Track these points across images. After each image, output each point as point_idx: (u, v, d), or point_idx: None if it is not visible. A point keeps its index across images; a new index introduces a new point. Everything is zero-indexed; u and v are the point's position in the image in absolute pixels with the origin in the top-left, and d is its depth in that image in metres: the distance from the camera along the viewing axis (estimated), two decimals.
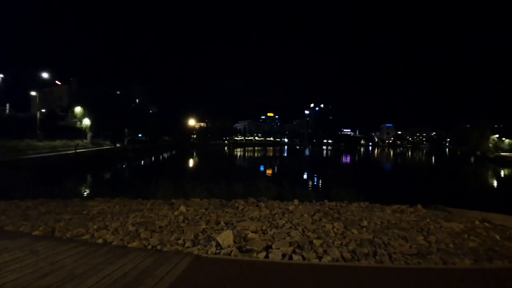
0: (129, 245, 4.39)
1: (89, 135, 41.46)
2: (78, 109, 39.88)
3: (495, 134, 54.76)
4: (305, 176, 25.57)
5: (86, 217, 6.28)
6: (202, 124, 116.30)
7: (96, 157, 31.04)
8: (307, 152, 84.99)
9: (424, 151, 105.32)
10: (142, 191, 9.48)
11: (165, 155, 51.56)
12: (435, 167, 43.68)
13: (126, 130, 50.71)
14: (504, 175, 29.62)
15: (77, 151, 27.66)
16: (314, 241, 4.66)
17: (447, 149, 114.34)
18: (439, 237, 5.17)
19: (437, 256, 4.23)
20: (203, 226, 5.42)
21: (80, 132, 39.82)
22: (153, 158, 43.32)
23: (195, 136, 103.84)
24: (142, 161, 37.94)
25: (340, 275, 3.54)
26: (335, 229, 5.55)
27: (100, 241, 4.62)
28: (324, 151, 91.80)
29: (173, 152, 59.21)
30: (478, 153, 51.54)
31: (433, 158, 63.42)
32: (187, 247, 4.31)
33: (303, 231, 5.31)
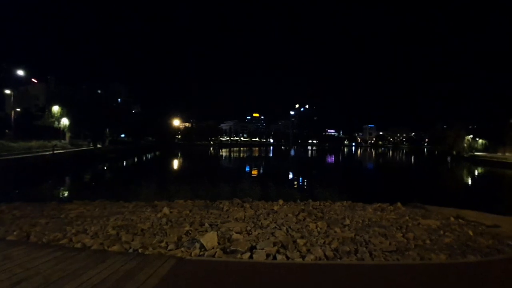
0: (109, 249, 4.26)
1: (67, 135, 39.87)
2: (55, 109, 38.25)
3: (469, 134, 57.59)
4: (290, 176, 25.81)
5: (64, 221, 6.05)
6: (187, 124, 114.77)
7: (75, 159, 29.91)
8: (292, 152, 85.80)
9: (404, 151, 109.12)
10: (123, 193, 9.25)
11: (149, 156, 50.48)
12: (414, 166, 45.44)
13: (107, 130, 49.19)
14: (478, 173, 31.21)
15: (55, 152, 26.50)
16: (298, 240, 4.72)
17: (425, 149, 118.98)
18: (417, 233, 5.38)
19: (415, 252, 4.40)
20: (187, 228, 5.35)
21: (58, 133, 38.18)
22: (135, 159, 42.29)
23: (179, 136, 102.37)
24: (124, 162, 36.95)
25: (323, 273, 3.60)
26: (318, 228, 5.65)
27: (78, 245, 4.46)
28: (309, 151, 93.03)
29: (157, 153, 58.07)
30: (454, 152, 53.95)
31: (413, 157, 65.93)
32: (170, 250, 4.25)
33: (287, 231, 5.37)
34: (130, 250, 4.25)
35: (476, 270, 3.78)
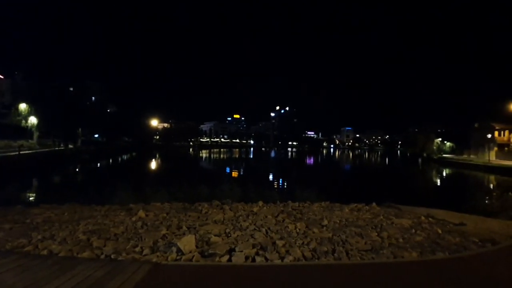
0: (79, 256, 4.03)
1: (35, 135, 37.50)
2: (23, 106, 35.86)
3: (438, 138, 61.08)
4: (270, 178, 25.94)
5: (29, 227, 5.66)
6: (165, 125, 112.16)
7: (44, 160, 28.20)
8: (272, 154, 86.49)
9: (379, 153, 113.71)
10: (96, 196, 8.80)
11: (124, 157, 48.73)
12: (388, 167, 47.57)
13: (79, 129, 46.84)
14: (445, 174, 33.16)
15: (21, 152, 24.83)
16: (277, 241, 4.73)
17: (398, 151, 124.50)
18: (390, 232, 5.58)
19: (389, 250, 4.56)
20: (164, 231, 5.19)
21: (26, 132, 35.83)
22: (110, 161, 40.64)
23: (158, 137, 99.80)
24: (98, 164, 35.38)
25: (301, 274, 3.62)
26: (297, 229, 5.69)
27: (45, 252, 4.18)
28: (289, 153, 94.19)
29: (134, 154, 56.21)
30: (425, 154, 56.96)
31: (387, 159, 68.91)
32: (145, 255, 4.09)
33: (267, 232, 5.37)
34: (102, 256, 4.05)
35: (444, 266, 3.97)
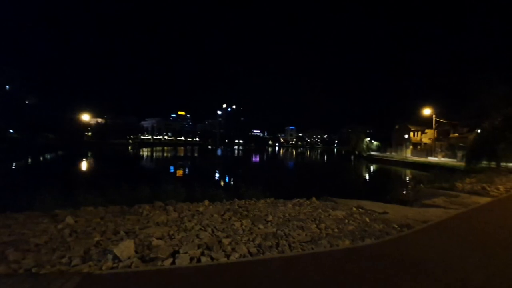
0: None
1: None
2: None
3: (367, 137, 68.96)
4: (217, 176, 25.72)
5: None
6: (99, 120, 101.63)
7: None
8: (219, 152, 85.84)
9: (319, 151, 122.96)
10: (10, 202, 7.46)
11: (48, 157, 42.55)
12: (326, 164, 51.93)
13: None
14: (372, 169, 37.73)
15: None
16: (223, 240, 4.73)
17: (335, 149, 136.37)
18: (327, 224, 6.09)
19: (326, 240, 4.97)
20: (97, 238, 4.71)
21: None
22: (29, 160, 35.06)
23: (90, 134, 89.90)
24: (13, 164, 30.15)
25: (246, 270, 3.70)
26: (243, 226, 5.77)
27: None
28: (236, 151, 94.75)
29: (59, 152, 49.50)
30: (356, 152, 63.67)
31: (325, 156, 75.01)
32: (75, 266, 3.65)
33: (213, 232, 5.32)
34: (21, 271, 3.48)
35: (371, 251, 4.51)
